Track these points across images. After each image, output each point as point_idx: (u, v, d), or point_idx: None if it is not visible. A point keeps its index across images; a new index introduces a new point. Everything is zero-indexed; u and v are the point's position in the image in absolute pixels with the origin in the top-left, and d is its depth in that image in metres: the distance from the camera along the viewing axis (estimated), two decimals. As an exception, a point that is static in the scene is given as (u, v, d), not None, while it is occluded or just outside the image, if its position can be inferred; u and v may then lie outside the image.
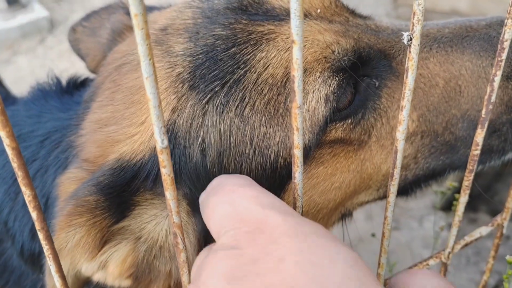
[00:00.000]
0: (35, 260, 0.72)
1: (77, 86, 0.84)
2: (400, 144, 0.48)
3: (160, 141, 0.37)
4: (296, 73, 0.39)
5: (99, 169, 0.61)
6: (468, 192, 0.58)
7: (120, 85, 0.67)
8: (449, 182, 1.11)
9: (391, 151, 0.67)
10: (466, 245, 0.67)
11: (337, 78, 0.62)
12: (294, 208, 0.48)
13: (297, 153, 0.44)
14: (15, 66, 2.95)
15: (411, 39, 0.43)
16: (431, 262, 0.65)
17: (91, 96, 0.72)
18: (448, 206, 1.75)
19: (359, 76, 0.66)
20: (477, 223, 2.21)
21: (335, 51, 0.62)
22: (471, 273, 1.94)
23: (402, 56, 0.68)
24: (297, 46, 0.38)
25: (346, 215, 0.74)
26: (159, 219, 0.60)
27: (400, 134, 0.47)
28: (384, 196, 0.71)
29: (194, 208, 0.61)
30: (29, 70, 2.92)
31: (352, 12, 0.73)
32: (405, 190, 0.74)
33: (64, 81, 0.85)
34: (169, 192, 0.40)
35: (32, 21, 3.12)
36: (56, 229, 0.56)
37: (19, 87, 0.89)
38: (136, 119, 0.62)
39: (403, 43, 0.44)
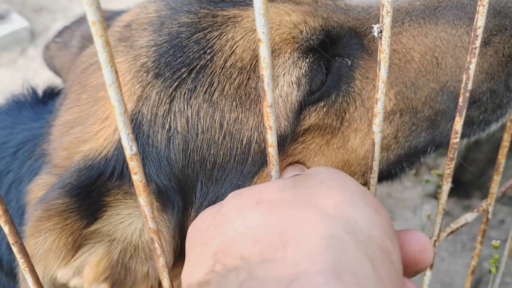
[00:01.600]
0: (15, 273, 0.72)
1: (54, 95, 0.84)
2: (377, 136, 0.49)
3: (128, 148, 0.37)
4: (265, 72, 0.39)
5: (66, 171, 0.60)
6: (450, 180, 0.59)
7: (86, 85, 0.67)
8: (433, 171, 1.12)
9: (368, 134, 0.67)
10: (452, 232, 0.68)
11: (307, 60, 0.61)
12: None
13: (272, 152, 0.44)
14: (-5, 79, 2.95)
15: (381, 31, 0.43)
16: (418, 252, 0.66)
17: (61, 101, 0.72)
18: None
19: (331, 56, 0.65)
20: (471, 209, 2.24)
21: (303, 31, 0.62)
22: (467, 259, 1.97)
23: None
24: (264, 45, 0.38)
25: None
26: (132, 218, 0.60)
27: (377, 127, 0.48)
28: None
29: (164, 203, 0.60)
30: (10, 82, 2.89)
31: None
32: (389, 174, 0.74)
33: (40, 92, 0.85)
34: (142, 198, 0.41)
35: (11, 32, 3.08)
36: (26, 236, 0.55)
37: (1, 100, 0.90)
38: (100, 115, 0.62)
39: (374, 35, 0.44)
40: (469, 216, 0.66)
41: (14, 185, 0.71)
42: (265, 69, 0.39)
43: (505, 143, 0.64)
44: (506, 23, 0.67)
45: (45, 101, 0.84)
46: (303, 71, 0.61)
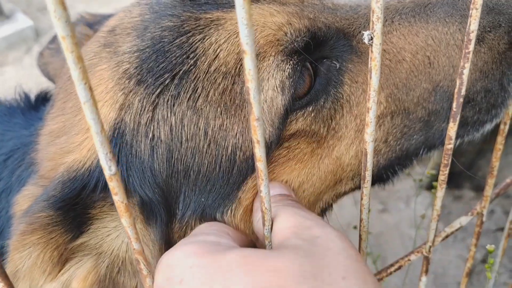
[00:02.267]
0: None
1: (46, 101, 0.81)
2: (369, 146, 0.46)
3: (107, 168, 0.34)
4: (251, 85, 0.36)
5: (51, 183, 0.57)
6: (444, 186, 0.56)
7: (71, 93, 0.63)
8: (427, 170, 1.09)
9: (353, 141, 0.63)
10: (447, 236, 0.65)
11: (291, 62, 0.57)
12: (263, 221, 0.45)
13: (261, 166, 0.41)
14: (2, 78, 2.91)
15: (372, 38, 0.40)
16: (413, 257, 0.64)
17: (48, 109, 0.69)
18: (432, 186, 1.75)
19: (319, 58, 0.61)
20: (462, 200, 2.23)
21: (287, 33, 0.58)
22: (458, 250, 1.95)
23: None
24: (249, 56, 0.35)
25: (326, 209, 0.71)
26: (119, 231, 0.57)
27: (369, 136, 0.45)
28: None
29: (148, 215, 0.57)
30: (17, 80, 2.87)
31: None
32: (380, 177, 0.70)
33: (33, 96, 0.82)
34: (125, 219, 0.38)
35: (17, 31, 3.07)
36: (11, 250, 0.52)
37: (8, 98, 0.87)
38: (84, 125, 0.59)
39: (364, 42, 0.41)
40: (463, 220, 0.63)
41: (4, 194, 0.68)
42: (250, 82, 0.36)
43: (499, 146, 0.61)
44: (500, 19, 0.64)
45: (37, 106, 0.80)
46: (287, 74, 0.57)
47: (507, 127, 0.60)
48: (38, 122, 0.72)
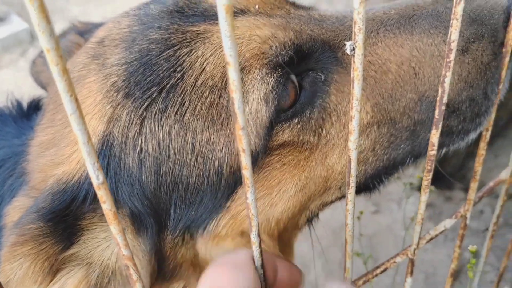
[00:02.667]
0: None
1: (38, 109, 0.81)
2: (353, 154, 0.46)
3: (95, 177, 0.35)
4: (235, 95, 0.37)
5: (41, 195, 0.58)
6: (427, 191, 0.57)
7: (60, 105, 0.64)
8: (417, 174, 1.10)
9: (344, 149, 0.64)
10: (431, 239, 0.66)
11: (274, 75, 0.58)
12: (250, 227, 0.46)
13: (246, 174, 0.42)
14: (-2, 81, 2.90)
15: (354, 48, 0.41)
16: (398, 259, 0.64)
17: (39, 119, 0.69)
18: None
19: (304, 71, 0.62)
20: (453, 201, 2.24)
21: (272, 46, 0.59)
22: (449, 249, 1.97)
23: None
24: (232, 68, 0.35)
25: (312, 218, 0.72)
26: (109, 242, 0.58)
27: (352, 144, 0.46)
28: None
29: (138, 226, 0.58)
30: (12, 83, 2.84)
31: (293, 4, 0.69)
32: (367, 186, 0.71)
33: (25, 104, 0.82)
34: (113, 226, 0.38)
35: (12, 34, 3.04)
36: (2, 261, 0.53)
37: (4, 101, 0.87)
38: (73, 137, 0.59)
39: (347, 53, 0.42)
40: (447, 223, 0.64)
41: (-5, 204, 0.68)
42: (235, 92, 0.37)
43: (482, 151, 0.62)
44: (483, 30, 0.65)
45: (29, 114, 0.80)
46: (270, 86, 0.58)
47: (489, 133, 0.61)
48: (30, 131, 0.73)
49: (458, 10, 0.45)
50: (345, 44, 0.61)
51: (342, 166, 0.65)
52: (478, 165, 0.62)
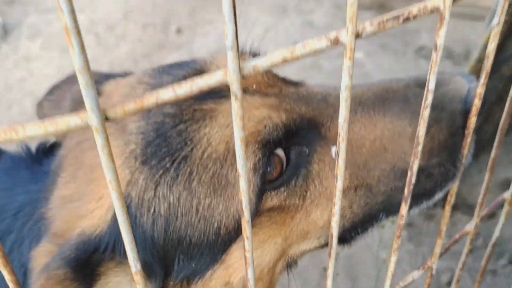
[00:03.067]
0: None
1: (46, 152, 0.87)
2: (335, 230, 0.55)
3: (134, 266, 0.42)
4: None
5: (66, 243, 0.66)
6: (399, 242, 0.66)
7: (81, 162, 0.72)
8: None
9: (326, 208, 0.74)
10: (401, 289, 0.75)
11: (263, 149, 0.68)
12: (246, 262, 0.54)
13: (247, 233, 0.50)
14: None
15: (338, 154, 0.49)
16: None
17: (57, 168, 0.76)
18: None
19: (292, 145, 0.71)
20: (433, 220, 2.30)
21: (266, 126, 0.69)
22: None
23: (330, 123, 0.75)
24: (241, 161, 0.43)
25: (290, 264, 0.82)
26: (122, 285, 0.66)
27: (335, 223, 0.54)
28: (326, 244, 0.79)
29: (149, 272, 0.67)
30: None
31: (284, 80, 0.79)
32: (344, 238, 0.82)
33: (33, 148, 0.88)
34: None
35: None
36: None
37: None
38: (95, 195, 0.68)
39: (332, 156, 0.50)
40: (415, 274, 0.73)
41: (16, 245, 0.75)
42: (241, 173, 0.45)
43: (447, 212, 0.71)
44: (442, 116, 0.75)
45: (39, 158, 0.87)
46: (257, 159, 0.67)
47: (453, 198, 0.70)
48: (44, 176, 0.79)
49: (425, 113, 0.54)
50: (331, 148, 0.70)
51: (323, 221, 0.75)
52: (444, 224, 0.71)
